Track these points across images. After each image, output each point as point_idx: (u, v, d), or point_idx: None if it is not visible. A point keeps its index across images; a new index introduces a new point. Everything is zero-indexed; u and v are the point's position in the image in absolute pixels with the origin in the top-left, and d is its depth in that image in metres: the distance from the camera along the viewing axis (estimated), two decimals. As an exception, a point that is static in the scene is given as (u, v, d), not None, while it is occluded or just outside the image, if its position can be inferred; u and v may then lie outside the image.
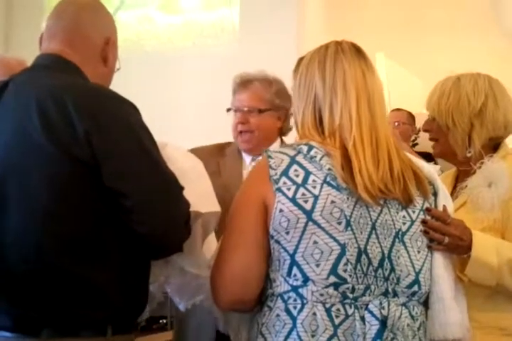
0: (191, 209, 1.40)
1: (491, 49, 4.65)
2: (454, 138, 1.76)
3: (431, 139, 1.85)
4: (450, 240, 1.43)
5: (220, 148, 2.37)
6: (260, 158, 2.30)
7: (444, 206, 1.44)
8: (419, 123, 4.24)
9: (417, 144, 3.95)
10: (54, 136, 1.30)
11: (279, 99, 2.30)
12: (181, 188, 1.38)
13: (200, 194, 1.44)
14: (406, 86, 4.44)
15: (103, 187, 1.31)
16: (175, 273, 1.60)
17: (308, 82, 1.42)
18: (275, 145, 2.30)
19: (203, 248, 1.55)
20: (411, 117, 4.11)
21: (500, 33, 4.83)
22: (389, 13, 4.97)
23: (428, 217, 1.40)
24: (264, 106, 2.28)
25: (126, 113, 1.37)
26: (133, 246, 1.36)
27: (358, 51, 1.44)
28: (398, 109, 4.05)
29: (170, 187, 1.37)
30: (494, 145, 1.78)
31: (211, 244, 1.58)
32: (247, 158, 2.35)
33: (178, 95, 4.01)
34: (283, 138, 2.40)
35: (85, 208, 1.32)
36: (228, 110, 2.34)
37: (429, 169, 1.46)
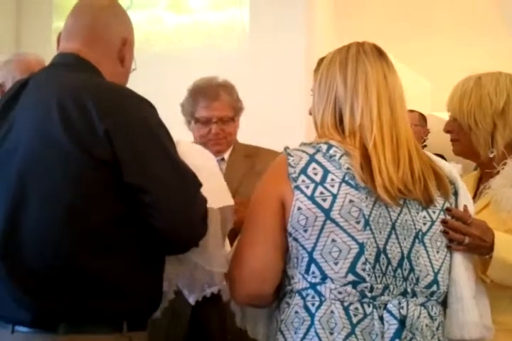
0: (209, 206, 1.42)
1: (499, 50, 4.64)
2: (476, 139, 1.73)
3: (452, 140, 1.82)
4: (471, 240, 1.41)
5: None
6: (218, 158, 2.42)
7: (464, 206, 1.44)
8: (429, 124, 4.24)
9: (425, 146, 3.95)
10: (75, 136, 1.31)
11: (239, 103, 2.42)
12: (199, 185, 1.40)
13: (212, 189, 1.45)
14: (414, 88, 4.44)
15: (122, 184, 1.33)
16: (187, 269, 1.61)
17: (329, 83, 1.42)
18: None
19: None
20: (423, 119, 4.10)
21: (507, 34, 4.82)
22: (397, 14, 4.97)
23: (448, 217, 1.40)
24: (233, 113, 2.39)
25: (145, 112, 1.39)
26: (150, 242, 1.38)
27: (379, 52, 1.45)
28: (410, 111, 4.04)
29: (188, 183, 1.38)
30: None
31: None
32: None
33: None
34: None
35: (105, 206, 1.33)
36: (196, 121, 2.38)
37: (450, 168, 1.46)
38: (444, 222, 1.39)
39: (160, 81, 3.91)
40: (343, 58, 1.43)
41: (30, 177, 1.34)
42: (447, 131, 1.82)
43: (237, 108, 2.41)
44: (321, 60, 1.49)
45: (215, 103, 2.36)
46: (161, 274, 1.46)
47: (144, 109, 1.39)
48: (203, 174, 1.44)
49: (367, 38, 1.50)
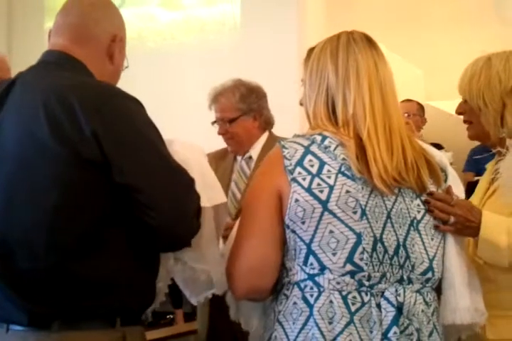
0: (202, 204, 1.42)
1: (492, 39, 4.64)
2: (486, 119, 1.70)
3: (465, 122, 1.79)
4: (456, 220, 1.43)
5: (222, 152, 2.59)
6: (245, 157, 2.47)
7: (448, 186, 1.45)
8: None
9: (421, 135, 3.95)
10: (61, 136, 1.30)
11: (244, 103, 2.52)
12: (192, 181, 1.40)
13: (204, 187, 1.45)
14: (407, 77, 4.45)
15: (111, 183, 1.32)
16: (182, 269, 1.62)
17: (320, 72, 1.42)
18: (262, 140, 2.55)
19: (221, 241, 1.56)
20: (421, 108, 4.10)
21: (500, 23, 4.82)
22: (390, 5, 4.97)
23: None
24: (233, 115, 2.50)
25: (132, 110, 1.37)
26: (141, 239, 1.38)
27: (369, 41, 1.45)
28: (408, 100, 4.02)
29: (180, 180, 1.38)
30: None
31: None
32: (238, 158, 2.58)
33: (181, 91, 4.02)
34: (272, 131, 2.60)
35: (93, 206, 1.32)
36: (213, 123, 2.56)
37: (440, 156, 1.48)
38: (426, 201, 1.40)
39: (153, 77, 3.92)
40: (334, 47, 1.43)
41: (19, 179, 1.34)
42: (459, 113, 1.79)
43: (239, 109, 2.51)
44: (311, 49, 1.48)
45: (216, 106, 2.53)
46: (153, 273, 1.46)
47: (131, 107, 1.38)
48: (195, 172, 1.44)
49: (359, 29, 1.49)
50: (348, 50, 1.42)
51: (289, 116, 3.60)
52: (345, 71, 1.40)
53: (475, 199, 1.72)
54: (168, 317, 3.38)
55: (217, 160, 2.52)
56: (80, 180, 1.31)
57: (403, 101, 3.97)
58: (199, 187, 1.42)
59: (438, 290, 1.43)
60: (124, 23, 1.59)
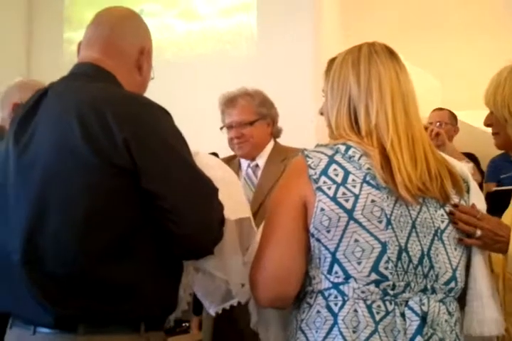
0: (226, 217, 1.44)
1: (509, 48, 4.62)
2: None
3: (493, 133, 1.78)
4: (483, 233, 1.42)
5: (228, 160, 2.57)
6: (252, 164, 2.49)
7: (472, 204, 1.45)
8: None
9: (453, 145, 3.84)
10: (94, 145, 1.34)
11: (263, 108, 2.58)
12: (216, 190, 1.42)
13: (229, 201, 1.47)
14: (424, 87, 4.43)
15: (141, 191, 1.35)
16: (202, 278, 1.63)
17: (342, 83, 1.43)
18: (269, 148, 2.58)
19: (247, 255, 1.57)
20: (453, 117, 3.93)
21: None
22: (406, 14, 4.96)
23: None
24: (252, 118, 2.55)
25: (162, 120, 1.42)
26: (166, 247, 1.40)
27: (390, 52, 1.46)
28: (440, 109, 3.90)
29: (205, 188, 1.41)
30: None
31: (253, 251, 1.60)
32: (244, 166, 2.60)
33: (198, 101, 4.04)
34: (277, 140, 2.64)
35: (123, 213, 1.36)
36: (221, 128, 2.59)
37: (461, 167, 1.48)
38: (451, 213, 1.40)
39: (170, 87, 3.94)
40: (355, 58, 1.44)
41: (52, 186, 1.37)
42: (487, 125, 1.78)
43: (258, 113, 2.55)
44: (332, 60, 1.49)
45: (233, 110, 2.56)
46: (176, 280, 1.48)
47: (161, 117, 1.42)
48: (221, 185, 1.46)
49: (374, 38, 1.50)
50: (370, 62, 1.42)
51: (304, 125, 3.61)
52: (368, 82, 1.41)
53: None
54: (184, 325, 3.40)
55: None
56: (112, 187, 1.34)
57: (435, 109, 3.89)
58: (224, 199, 1.44)
59: (459, 300, 1.42)
60: (150, 34, 1.63)
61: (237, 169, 2.56)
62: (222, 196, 1.44)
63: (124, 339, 1.37)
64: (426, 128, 3.47)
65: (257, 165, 2.54)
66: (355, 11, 4.92)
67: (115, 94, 1.44)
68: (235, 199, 1.53)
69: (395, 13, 4.99)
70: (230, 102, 2.57)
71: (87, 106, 1.38)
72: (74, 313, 1.34)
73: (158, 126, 1.40)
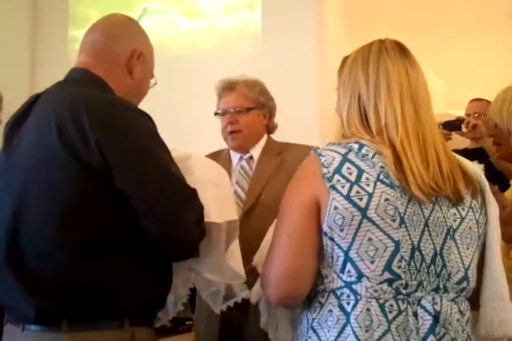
0: (206, 220, 1.47)
1: (512, 47, 4.61)
2: None
3: (494, 143, 1.93)
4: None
5: (215, 155, 2.48)
6: (246, 156, 2.43)
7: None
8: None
9: (450, 139, 3.76)
10: (70, 146, 1.38)
11: (262, 97, 2.48)
12: (191, 190, 1.45)
13: (218, 203, 1.50)
14: (429, 86, 4.42)
15: (115, 191, 1.38)
16: (197, 280, 1.66)
17: (353, 82, 1.43)
18: (263, 141, 2.49)
19: (226, 255, 1.60)
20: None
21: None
22: (409, 14, 4.96)
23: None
24: (250, 105, 2.45)
25: (137, 122, 1.44)
26: (145, 246, 1.43)
27: (401, 49, 1.45)
28: (478, 99, 3.71)
29: (179, 189, 1.43)
30: None
31: (234, 252, 1.63)
32: (234, 159, 2.50)
33: (201, 98, 4.04)
34: (270, 135, 2.55)
35: (97, 213, 1.39)
36: (216, 114, 2.50)
37: (473, 167, 1.47)
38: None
39: (174, 85, 3.94)
40: (365, 57, 1.43)
41: (30, 186, 1.42)
42: (490, 135, 1.94)
43: (256, 100, 2.47)
44: (345, 58, 1.49)
45: (231, 95, 2.47)
46: (163, 278, 1.50)
47: (137, 119, 1.45)
48: (208, 188, 1.49)
49: (379, 38, 1.48)
50: (379, 60, 1.42)
51: (308, 124, 3.61)
52: (376, 81, 1.40)
53: None
54: (187, 323, 3.39)
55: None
56: (86, 187, 1.38)
57: (473, 100, 3.73)
58: (211, 203, 1.47)
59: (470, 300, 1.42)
60: (149, 40, 1.65)
61: (228, 163, 2.47)
62: (209, 198, 1.46)
63: (108, 335, 1.39)
64: (462, 120, 3.44)
65: (251, 157, 2.46)
66: (360, 9, 4.91)
67: (94, 97, 1.46)
68: (224, 202, 1.55)
69: (398, 12, 4.99)
70: (228, 87, 2.49)
71: (66, 109, 1.42)
72: (54, 307, 1.37)
73: (132, 128, 1.42)
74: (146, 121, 1.46)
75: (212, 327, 2.29)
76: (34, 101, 1.53)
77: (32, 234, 1.40)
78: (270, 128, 2.55)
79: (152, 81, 1.65)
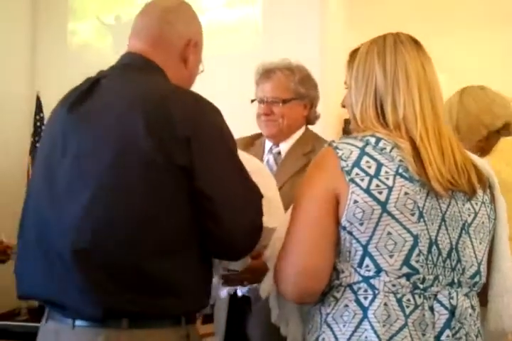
0: (264, 225, 1.46)
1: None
2: None
3: None
4: None
5: (254, 138, 2.39)
6: (275, 151, 2.37)
7: None
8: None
9: None
10: (158, 142, 1.34)
11: (303, 88, 2.28)
12: (261, 196, 1.44)
13: (267, 208, 1.48)
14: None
15: (193, 189, 1.36)
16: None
17: (368, 74, 1.40)
18: (298, 134, 2.32)
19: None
20: None
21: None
22: (411, 8, 4.95)
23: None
24: (287, 96, 2.26)
25: (219, 121, 1.43)
26: (207, 247, 1.42)
27: (416, 43, 1.44)
28: None
29: (253, 194, 1.43)
30: None
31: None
32: (267, 146, 2.36)
33: (202, 93, 4.03)
34: (308, 126, 2.39)
35: (177, 211, 1.36)
36: (253, 101, 2.34)
37: (482, 162, 1.47)
38: None
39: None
40: (381, 48, 1.41)
41: (108, 179, 1.36)
42: None
43: (295, 91, 2.28)
44: (354, 51, 1.46)
45: (267, 83, 2.29)
46: (211, 276, 1.51)
47: (218, 117, 1.44)
48: (264, 193, 1.47)
49: (380, 32, 1.47)
50: (396, 51, 1.40)
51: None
52: (394, 73, 1.38)
53: None
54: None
55: (247, 146, 2.32)
56: (169, 184, 1.35)
57: None
58: (264, 207, 1.46)
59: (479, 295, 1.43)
60: (201, 28, 1.61)
61: (261, 151, 2.34)
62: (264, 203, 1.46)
63: (167, 333, 1.38)
64: None
65: (279, 153, 2.32)
66: (362, 3, 4.90)
67: (176, 89, 1.44)
68: (274, 205, 1.54)
69: (400, 6, 4.97)
70: (265, 74, 2.29)
71: (153, 102, 1.38)
72: (118, 306, 1.34)
73: (217, 128, 1.41)
74: (223, 119, 1.44)
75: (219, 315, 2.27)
76: (93, 85, 1.46)
77: (104, 231, 1.34)
78: (311, 119, 2.37)
79: (200, 67, 1.61)
